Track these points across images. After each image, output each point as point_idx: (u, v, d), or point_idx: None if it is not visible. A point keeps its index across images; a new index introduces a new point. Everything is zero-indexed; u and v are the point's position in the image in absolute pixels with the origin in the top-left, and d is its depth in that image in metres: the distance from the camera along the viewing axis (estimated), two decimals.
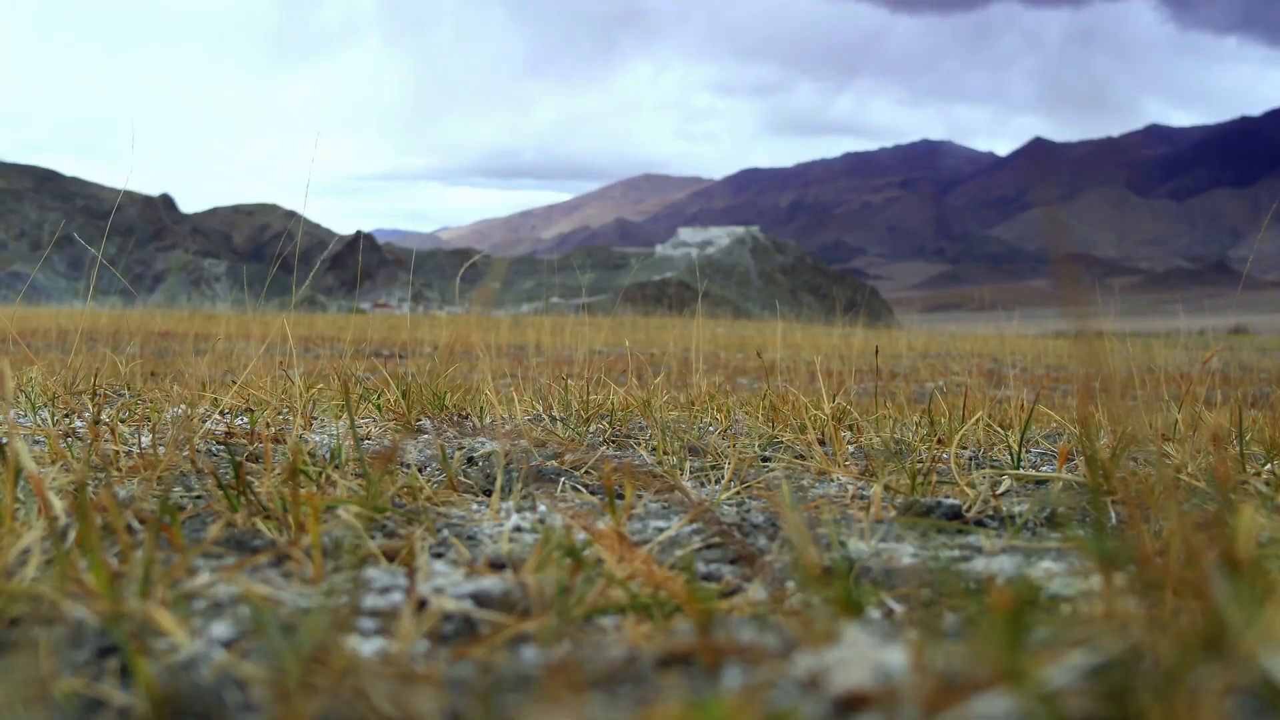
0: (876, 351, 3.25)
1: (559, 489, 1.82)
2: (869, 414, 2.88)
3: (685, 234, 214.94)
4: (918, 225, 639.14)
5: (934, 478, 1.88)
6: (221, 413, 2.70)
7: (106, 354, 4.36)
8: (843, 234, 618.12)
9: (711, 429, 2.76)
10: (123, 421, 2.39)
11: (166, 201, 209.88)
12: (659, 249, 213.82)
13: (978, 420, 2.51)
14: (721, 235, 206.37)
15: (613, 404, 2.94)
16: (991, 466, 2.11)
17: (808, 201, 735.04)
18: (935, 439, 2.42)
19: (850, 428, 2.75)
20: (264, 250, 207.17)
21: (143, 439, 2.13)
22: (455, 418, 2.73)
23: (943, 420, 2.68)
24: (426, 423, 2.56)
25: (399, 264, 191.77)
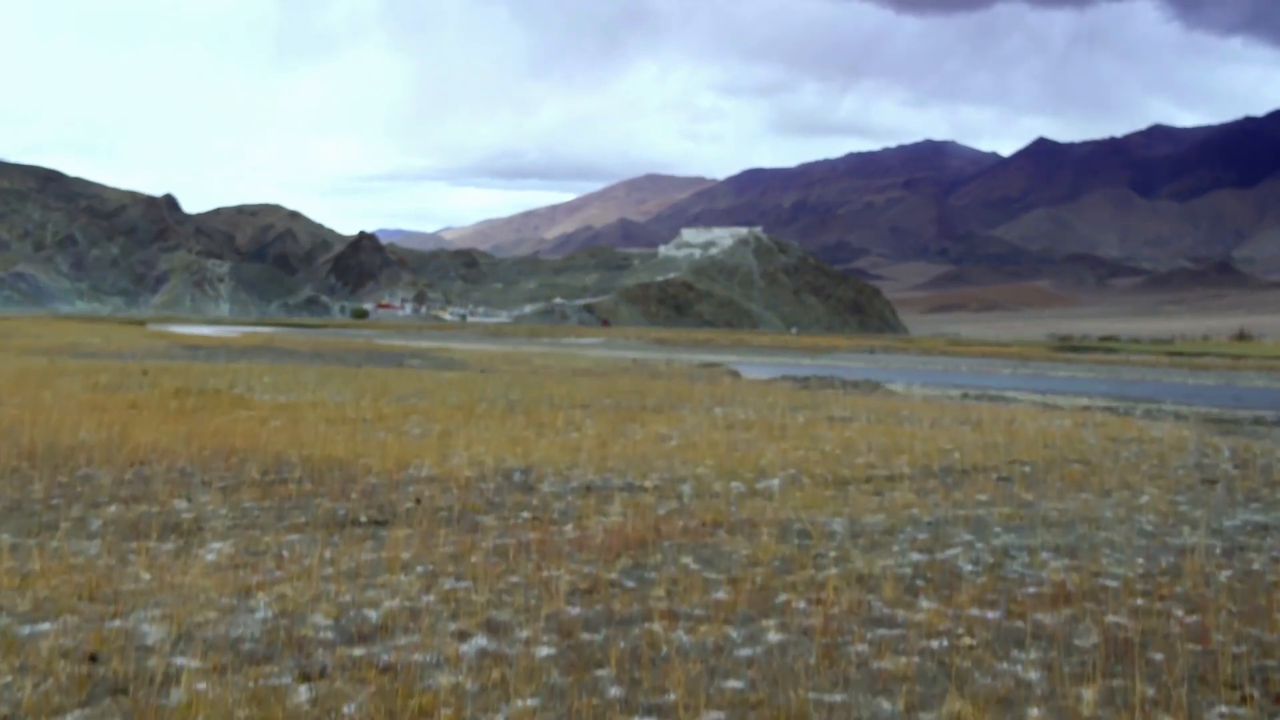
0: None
1: None
2: None
3: (688, 234, 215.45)
4: (921, 226, 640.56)
5: None
6: None
7: None
8: (846, 234, 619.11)
9: None
10: None
11: (170, 202, 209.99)
12: (662, 249, 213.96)
13: None
14: (724, 235, 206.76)
15: None
16: None
17: (811, 202, 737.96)
18: None
19: None
20: (267, 250, 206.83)
21: None
22: None
23: None
24: None
25: (401, 264, 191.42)
